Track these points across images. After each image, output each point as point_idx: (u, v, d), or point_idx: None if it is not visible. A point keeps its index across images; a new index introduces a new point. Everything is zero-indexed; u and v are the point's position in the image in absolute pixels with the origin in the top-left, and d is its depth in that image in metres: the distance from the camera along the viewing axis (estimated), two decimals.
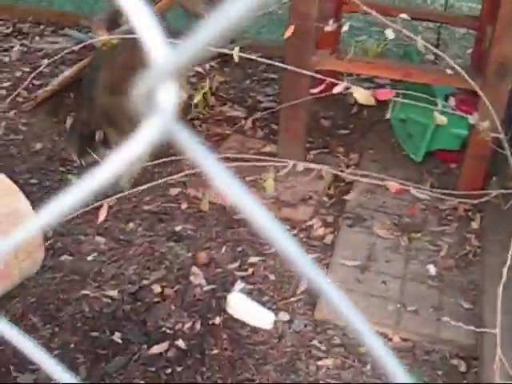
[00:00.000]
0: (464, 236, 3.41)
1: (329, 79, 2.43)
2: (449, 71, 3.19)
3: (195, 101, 3.94)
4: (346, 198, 3.64)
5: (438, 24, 5.11)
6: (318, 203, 3.58)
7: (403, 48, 4.82)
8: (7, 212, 2.82)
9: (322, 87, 2.44)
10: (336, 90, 2.16)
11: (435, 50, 3.28)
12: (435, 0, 6.38)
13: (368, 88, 4.45)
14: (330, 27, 3.26)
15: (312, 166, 3.24)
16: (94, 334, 2.83)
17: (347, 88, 2.64)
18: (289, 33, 2.83)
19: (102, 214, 2.83)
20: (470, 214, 3.56)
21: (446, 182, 3.75)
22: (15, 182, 2.99)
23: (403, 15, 3.52)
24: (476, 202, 3.31)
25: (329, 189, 3.73)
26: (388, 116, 2.82)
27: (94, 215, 3.01)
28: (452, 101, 3.74)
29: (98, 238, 3.35)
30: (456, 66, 3.10)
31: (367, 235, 3.38)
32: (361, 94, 2.19)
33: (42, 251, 3.00)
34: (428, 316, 2.93)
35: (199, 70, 5.04)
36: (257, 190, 3.57)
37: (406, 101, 3.14)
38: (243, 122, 4.30)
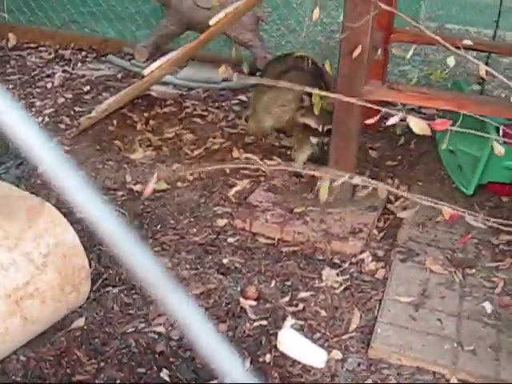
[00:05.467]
0: None
1: (384, 109, 2.33)
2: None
3: None
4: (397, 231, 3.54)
5: (486, 54, 5.01)
6: (368, 236, 3.48)
7: (450, 78, 4.75)
8: (55, 242, 2.76)
9: (377, 118, 2.34)
10: (390, 121, 2.07)
11: (502, 78, 3.17)
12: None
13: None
14: (379, 56, 3.20)
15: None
16: (141, 370, 2.74)
17: (401, 119, 2.55)
18: (357, 52, 2.75)
19: None
20: None
21: (498, 216, 3.64)
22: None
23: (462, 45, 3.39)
24: None
25: (378, 221, 3.64)
26: (444, 146, 2.71)
27: None
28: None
29: None
30: None
31: (420, 270, 3.27)
32: (416, 124, 2.10)
33: (88, 284, 2.93)
34: (486, 356, 2.81)
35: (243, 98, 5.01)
36: (303, 223, 3.50)
37: (462, 130, 3.03)
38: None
